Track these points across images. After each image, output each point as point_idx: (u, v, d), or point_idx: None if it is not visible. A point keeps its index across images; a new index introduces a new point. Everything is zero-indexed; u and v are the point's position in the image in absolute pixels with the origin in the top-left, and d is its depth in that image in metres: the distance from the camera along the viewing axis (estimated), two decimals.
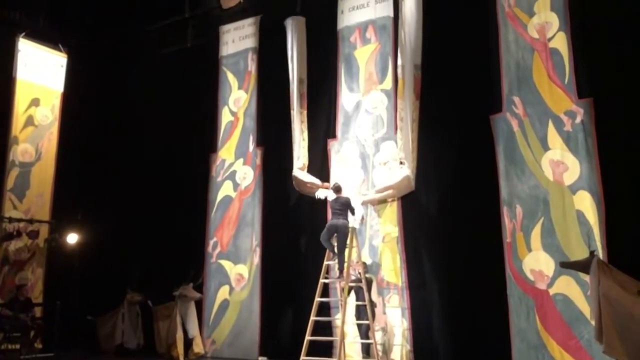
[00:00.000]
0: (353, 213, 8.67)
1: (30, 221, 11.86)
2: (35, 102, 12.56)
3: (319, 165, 9.95)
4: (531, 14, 8.37)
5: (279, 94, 10.34)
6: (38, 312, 11.42)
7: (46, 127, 12.69)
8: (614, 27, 7.60)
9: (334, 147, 9.85)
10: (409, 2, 9.06)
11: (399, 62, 9.10)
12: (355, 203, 8.75)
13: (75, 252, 12.14)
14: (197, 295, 10.53)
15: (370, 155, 9.42)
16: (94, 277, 11.81)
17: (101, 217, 12.19)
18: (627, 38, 7.48)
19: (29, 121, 12.44)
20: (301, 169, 9.82)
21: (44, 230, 12.12)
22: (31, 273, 11.95)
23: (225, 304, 10.53)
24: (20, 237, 11.74)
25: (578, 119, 7.71)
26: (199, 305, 10.64)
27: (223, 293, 10.58)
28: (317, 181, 9.61)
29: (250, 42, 11.32)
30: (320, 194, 9.12)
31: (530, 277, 7.74)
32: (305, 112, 10.14)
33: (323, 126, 10.15)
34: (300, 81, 10.13)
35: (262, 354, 9.89)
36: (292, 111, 10.04)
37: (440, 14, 9.01)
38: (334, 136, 9.90)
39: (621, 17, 7.56)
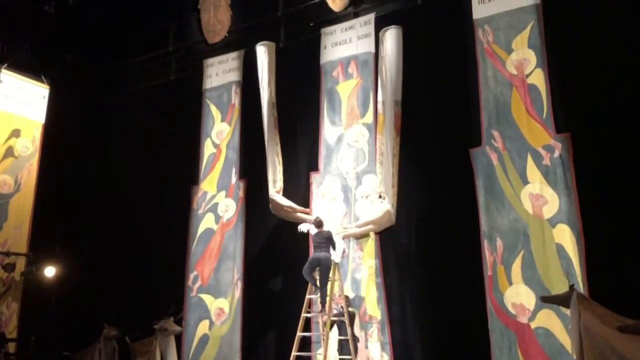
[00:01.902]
0: (334, 248, 8.65)
1: (7, 254, 11.62)
2: (15, 133, 12.45)
3: (302, 198, 9.91)
4: (509, 51, 8.56)
5: (260, 125, 10.40)
6: (12, 347, 11.11)
7: (26, 159, 12.55)
8: (590, 63, 7.79)
9: (316, 180, 9.87)
10: (389, 39, 9.23)
11: (380, 98, 9.22)
12: (336, 237, 8.74)
13: (52, 285, 11.90)
14: (178, 328, 10.37)
15: (352, 188, 9.44)
16: (71, 311, 11.57)
17: (79, 250, 12.01)
18: (603, 74, 7.66)
19: (9, 152, 12.30)
20: (277, 192, 9.79)
21: (21, 263, 11.87)
22: (6, 307, 11.66)
23: (205, 339, 10.34)
24: None
25: (556, 153, 7.84)
26: (179, 340, 10.44)
27: (203, 327, 10.39)
28: (294, 205, 9.59)
29: (234, 76, 11.40)
30: (303, 227, 9.07)
31: (512, 310, 7.73)
32: (278, 136, 10.15)
33: (306, 159, 10.18)
34: (272, 105, 10.18)
35: None
36: (264, 135, 10.05)
37: (420, 50, 9.17)
38: (316, 169, 9.93)
39: (597, 53, 7.77)
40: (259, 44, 10.48)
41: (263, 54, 10.36)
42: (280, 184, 9.86)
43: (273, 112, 10.17)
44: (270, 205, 9.74)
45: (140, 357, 10.30)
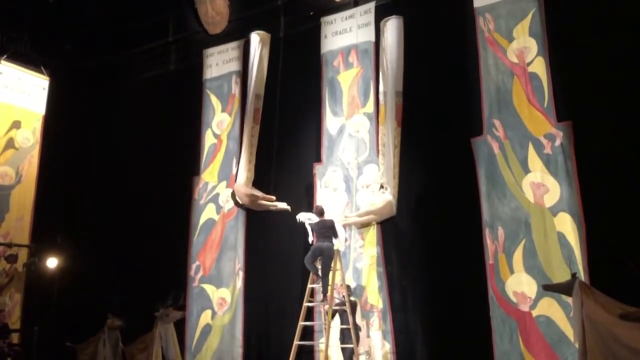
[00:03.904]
0: (336, 236, 8.66)
1: (9, 245, 11.63)
2: (16, 125, 12.42)
3: (306, 189, 9.92)
4: (510, 39, 8.54)
5: (263, 117, 10.40)
6: (15, 338, 11.16)
7: (27, 150, 12.53)
8: (591, 51, 7.77)
9: (319, 171, 9.86)
10: (390, 29, 9.20)
11: (381, 88, 9.22)
12: (338, 225, 8.76)
13: (55, 276, 11.89)
14: (179, 314, 10.44)
15: (353, 178, 9.45)
16: (74, 302, 11.59)
17: (82, 241, 12.01)
18: (604, 62, 7.65)
19: (10, 144, 12.28)
20: (245, 183, 9.91)
21: (23, 255, 11.89)
22: (9, 298, 11.69)
23: (207, 329, 10.38)
24: None
25: (557, 142, 7.84)
26: (181, 330, 10.50)
27: (205, 317, 10.43)
28: (257, 192, 9.82)
29: (234, 66, 11.36)
30: (302, 217, 9.09)
31: (513, 298, 7.75)
32: (257, 127, 10.29)
33: (309, 150, 10.17)
34: (256, 97, 10.33)
35: None
36: (244, 124, 10.17)
37: (421, 39, 9.15)
38: (319, 160, 9.92)
39: (597, 42, 7.74)
40: (253, 32, 10.51)
41: (257, 43, 10.43)
42: (247, 174, 10.02)
43: (255, 102, 10.34)
44: (231, 194, 9.79)
45: (140, 354, 10.36)
